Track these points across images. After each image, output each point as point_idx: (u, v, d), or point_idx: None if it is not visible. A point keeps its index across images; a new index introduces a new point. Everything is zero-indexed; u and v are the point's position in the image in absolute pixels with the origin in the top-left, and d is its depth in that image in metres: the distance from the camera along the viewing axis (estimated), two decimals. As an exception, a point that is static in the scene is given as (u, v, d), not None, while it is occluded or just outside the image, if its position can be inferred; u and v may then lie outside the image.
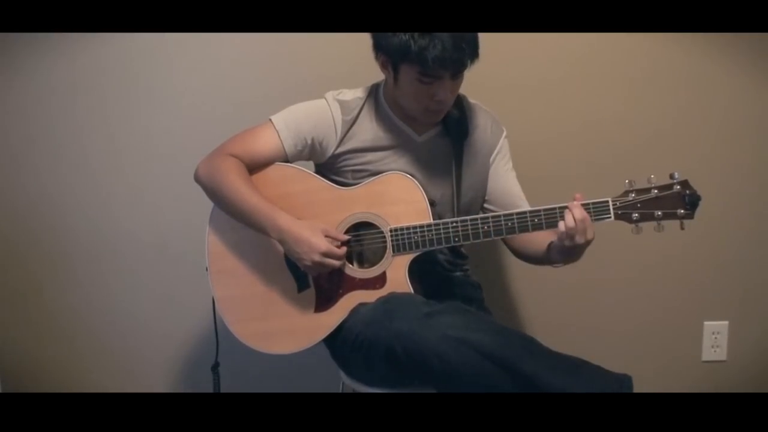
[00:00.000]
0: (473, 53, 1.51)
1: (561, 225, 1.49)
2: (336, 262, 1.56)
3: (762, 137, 2.11)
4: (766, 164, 2.12)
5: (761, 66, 2.06)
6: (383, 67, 1.58)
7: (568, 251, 1.52)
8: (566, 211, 1.49)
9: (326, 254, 1.54)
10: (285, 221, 1.56)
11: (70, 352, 2.17)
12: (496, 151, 1.72)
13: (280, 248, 1.61)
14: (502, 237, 1.58)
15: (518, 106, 2.04)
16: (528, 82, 2.06)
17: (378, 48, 1.57)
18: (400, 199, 1.59)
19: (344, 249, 1.58)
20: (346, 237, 1.59)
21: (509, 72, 2.04)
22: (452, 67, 1.49)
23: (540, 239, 1.64)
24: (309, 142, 1.64)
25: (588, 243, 1.50)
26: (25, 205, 2.09)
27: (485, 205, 1.73)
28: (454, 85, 1.55)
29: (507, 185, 1.73)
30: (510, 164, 1.75)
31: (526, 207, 1.66)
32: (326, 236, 1.55)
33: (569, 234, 1.48)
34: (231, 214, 1.62)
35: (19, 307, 2.15)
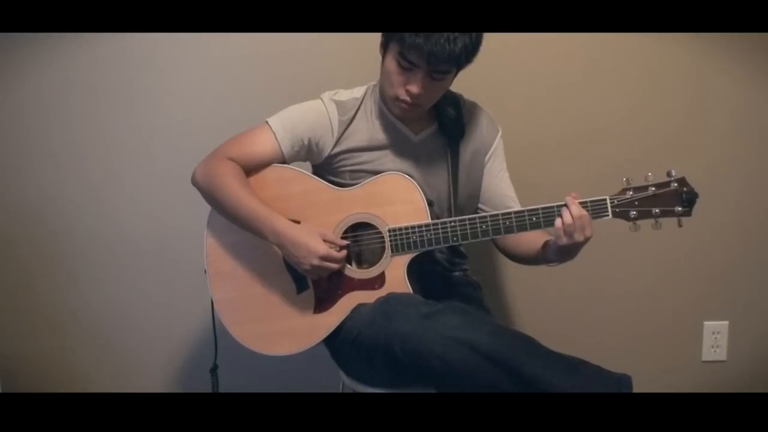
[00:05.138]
0: (459, 58, 1.49)
1: (558, 222, 1.49)
2: (334, 266, 1.56)
3: (762, 137, 2.11)
4: (766, 164, 2.12)
5: (762, 66, 2.06)
6: (380, 47, 1.59)
7: (565, 250, 1.52)
8: (563, 208, 1.49)
9: (325, 258, 1.53)
10: (282, 225, 1.55)
11: (69, 354, 2.17)
12: (491, 151, 1.72)
13: (279, 250, 1.61)
14: (500, 236, 1.57)
15: (517, 107, 2.05)
16: (527, 82, 2.06)
17: None
18: (399, 199, 1.59)
19: (344, 252, 1.58)
20: (345, 242, 1.59)
21: (508, 72, 2.04)
22: (427, 59, 1.48)
23: (532, 239, 1.63)
24: (306, 143, 1.64)
25: (586, 241, 1.49)
26: (22, 207, 2.09)
27: (478, 205, 1.73)
28: (432, 84, 1.54)
29: (500, 186, 1.73)
30: (504, 165, 1.74)
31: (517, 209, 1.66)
32: (324, 240, 1.55)
33: (567, 231, 1.48)
34: (228, 217, 1.62)
35: (18, 308, 2.15)
